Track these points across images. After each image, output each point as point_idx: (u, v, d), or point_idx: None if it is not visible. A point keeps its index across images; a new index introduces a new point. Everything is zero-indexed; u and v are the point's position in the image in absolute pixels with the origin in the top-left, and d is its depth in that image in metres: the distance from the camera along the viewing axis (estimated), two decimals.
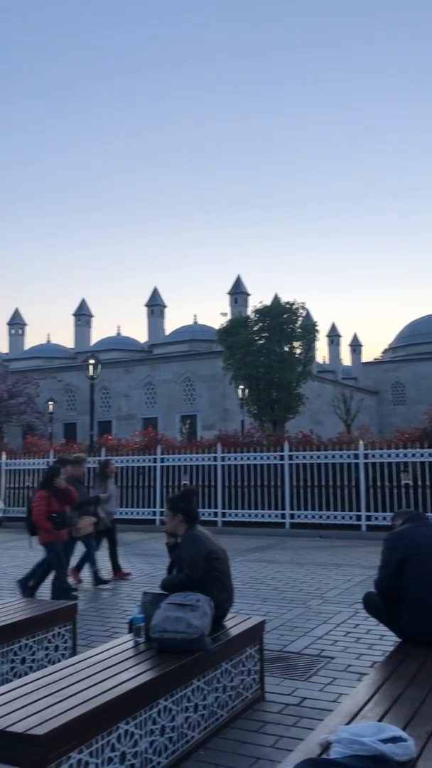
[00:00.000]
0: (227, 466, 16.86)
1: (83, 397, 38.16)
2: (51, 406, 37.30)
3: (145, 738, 3.53)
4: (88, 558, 9.47)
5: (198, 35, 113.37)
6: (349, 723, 2.94)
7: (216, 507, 16.64)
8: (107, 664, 3.83)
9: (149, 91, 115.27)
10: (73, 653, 5.50)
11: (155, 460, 17.78)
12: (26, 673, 4.89)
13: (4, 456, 20.52)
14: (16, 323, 53.80)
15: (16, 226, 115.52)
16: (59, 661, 5.27)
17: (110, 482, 10.64)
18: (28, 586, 8.40)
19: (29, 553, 13.17)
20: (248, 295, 45.98)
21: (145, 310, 51.09)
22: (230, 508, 16.66)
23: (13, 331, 53.52)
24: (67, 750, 3.00)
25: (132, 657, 3.98)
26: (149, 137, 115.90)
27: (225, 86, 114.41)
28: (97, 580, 9.28)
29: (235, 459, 16.80)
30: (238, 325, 31.06)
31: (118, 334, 50.15)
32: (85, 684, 3.51)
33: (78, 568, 9.63)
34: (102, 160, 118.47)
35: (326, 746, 2.61)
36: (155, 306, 50.78)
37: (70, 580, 8.87)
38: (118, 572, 9.94)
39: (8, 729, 2.95)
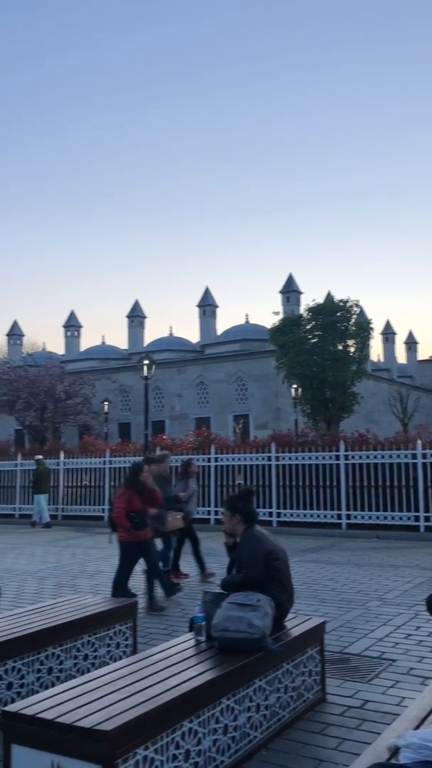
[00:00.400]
0: (282, 466, 16.78)
1: (137, 397, 38.59)
2: (106, 406, 37.85)
3: (209, 736, 3.55)
4: (162, 556, 9.49)
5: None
6: (417, 728, 2.88)
7: (271, 507, 16.59)
8: (170, 663, 3.87)
9: (197, 91, 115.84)
10: (134, 651, 5.58)
11: (209, 460, 17.85)
12: (89, 670, 4.99)
13: (62, 455, 20.97)
14: (72, 325, 54.87)
15: (70, 229, 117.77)
16: (120, 658, 5.36)
17: (191, 481, 10.64)
18: (167, 573, 9.23)
19: (88, 550, 13.45)
20: (300, 293, 45.48)
21: (197, 310, 51.27)
22: (285, 508, 16.58)
23: (69, 333, 54.58)
24: (134, 746, 3.04)
25: (194, 656, 4.01)
26: (201, 139, 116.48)
27: (277, 85, 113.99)
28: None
29: (290, 459, 16.71)
30: (290, 323, 30.78)
31: (171, 334, 50.45)
32: (149, 681, 3.55)
33: (175, 567, 9.89)
34: (153, 162, 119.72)
35: (395, 751, 2.57)
36: (207, 306, 50.91)
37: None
38: (176, 572, 10.01)
39: (76, 724, 3.02)
